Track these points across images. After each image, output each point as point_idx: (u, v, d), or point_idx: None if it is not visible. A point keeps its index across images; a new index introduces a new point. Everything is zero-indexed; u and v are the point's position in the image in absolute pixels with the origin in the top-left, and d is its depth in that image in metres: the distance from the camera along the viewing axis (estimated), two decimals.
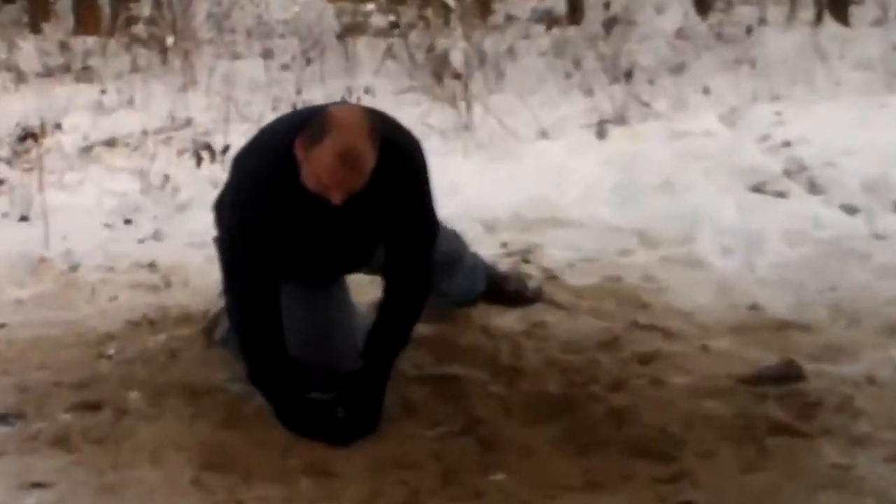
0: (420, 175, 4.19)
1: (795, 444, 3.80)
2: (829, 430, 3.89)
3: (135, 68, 11.81)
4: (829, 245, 5.92)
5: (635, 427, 3.93)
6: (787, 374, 4.32)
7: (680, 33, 11.26)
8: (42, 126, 8.59)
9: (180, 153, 8.01)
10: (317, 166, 3.78)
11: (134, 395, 4.23)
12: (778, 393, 4.19)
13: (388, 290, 4.22)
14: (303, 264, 4.16)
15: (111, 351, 4.78)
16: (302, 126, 3.93)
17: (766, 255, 5.88)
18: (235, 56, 12.24)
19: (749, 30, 10.84)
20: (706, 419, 4.01)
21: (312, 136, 3.81)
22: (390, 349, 4.19)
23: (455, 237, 4.82)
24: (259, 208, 3.99)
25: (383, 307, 4.23)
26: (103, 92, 9.99)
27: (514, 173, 7.15)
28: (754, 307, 5.25)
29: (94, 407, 4.12)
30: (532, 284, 5.35)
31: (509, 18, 13.97)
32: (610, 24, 11.63)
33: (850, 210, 6.44)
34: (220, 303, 4.79)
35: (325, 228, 4.06)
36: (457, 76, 9.22)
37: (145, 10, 16.13)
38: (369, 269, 4.46)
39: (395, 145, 3.98)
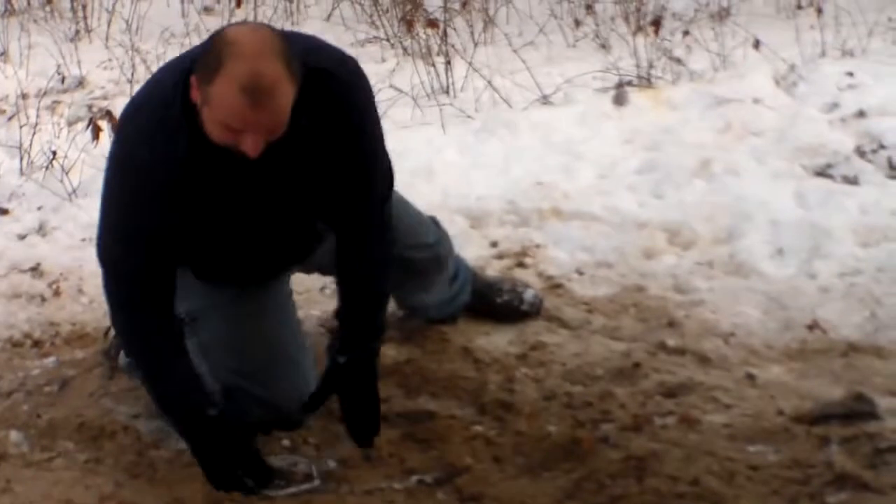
0: (360, 106, 4.19)
1: (864, 499, 3.86)
2: None
3: (9, 10, 11.75)
4: None
5: (660, 478, 4.00)
6: (856, 412, 4.40)
7: None
8: None
9: (71, 123, 8.05)
10: (218, 108, 3.69)
11: (14, 437, 4.31)
12: (843, 435, 4.26)
13: (345, 269, 4.35)
14: (223, 261, 4.24)
15: None
16: (195, 62, 3.89)
17: (832, 260, 5.90)
18: None
19: None
20: (751, 469, 4.08)
21: (206, 70, 3.72)
22: (367, 339, 4.31)
23: (432, 228, 4.92)
24: (148, 192, 3.94)
25: (344, 292, 4.36)
26: None
27: (507, 151, 7.22)
28: (815, 326, 5.32)
29: None
30: (529, 295, 5.42)
31: None
32: None
33: None
34: None
35: (246, 201, 4.05)
36: (432, 23, 9.16)
37: None
38: (313, 264, 4.63)
39: (321, 71, 3.94)
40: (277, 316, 4.47)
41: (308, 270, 4.93)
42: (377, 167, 4.29)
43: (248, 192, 4.02)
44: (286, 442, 4.26)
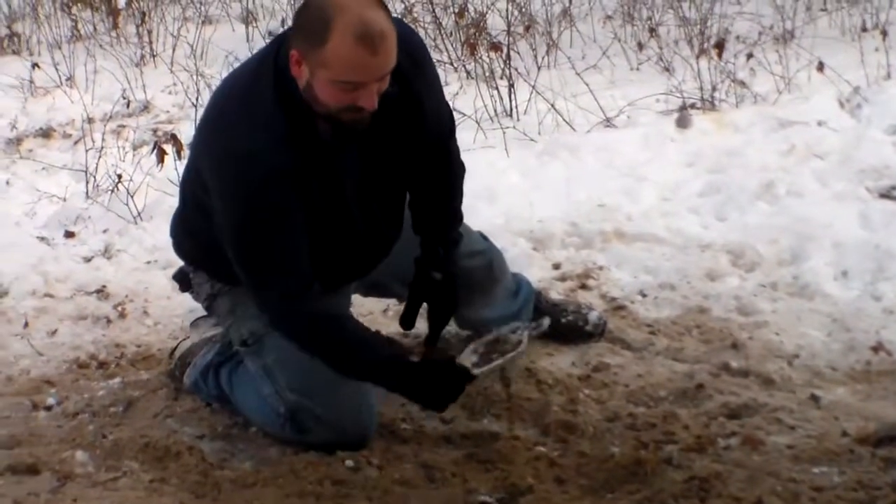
0: (429, 60, 4.37)
1: None
2: None
3: (76, 36, 11.85)
4: None
5: (724, 499, 3.99)
6: None
7: None
8: None
9: (136, 147, 8.13)
10: (337, 65, 3.77)
11: (80, 457, 4.32)
12: None
13: (426, 192, 4.57)
14: (328, 247, 4.25)
15: (51, 400, 4.87)
16: (277, 51, 4.01)
17: None
18: (207, 20, 12.27)
19: None
20: (815, 490, 4.07)
21: (313, 36, 3.80)
22: (451, 254, 4.59)
23: (480, 237, 4.96)
24: (259, 178, 3.98)
25: (426, 212, 4.59)
26: (36, 66, 10.01)
27: (570, 173, 7.23)
28: (880, 347, 5.29)
29: (31, 471, 4.21)
30: (593, 316, 5.43)
31: None
32: None
33: None
34: (188, 338, 4.92)
35: (346, 171, 4.16)
36: (495, 47, 9.19)
37: None
38: (374, 280, 4.74)
39: (397, 27, 3.96)
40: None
41: (367, 289, 4.97)
42: (444, 104, 4.49)
43: (348, 159, 4.13)
44: (350, 462, 4.26)
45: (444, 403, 4.27)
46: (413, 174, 4.45)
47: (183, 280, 4.79)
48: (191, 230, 4.58)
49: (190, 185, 4.40)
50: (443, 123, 4.49)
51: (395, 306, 5.72)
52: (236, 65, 9.14)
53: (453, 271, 4.55)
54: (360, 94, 3.82)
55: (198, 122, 4.32)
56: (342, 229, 4.23)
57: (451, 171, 4.60)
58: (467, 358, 4.22)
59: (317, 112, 3.94)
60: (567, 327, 5.32)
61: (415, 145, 4.32)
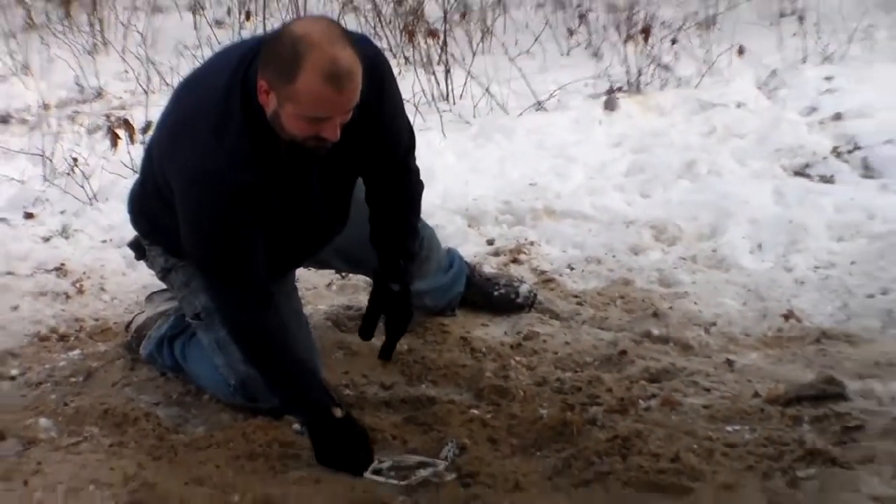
0: (391, 78, 4.43)
1: (832, 474, 3.92)
2: (872, 458, 4.00)
3: (30, 25, 11.77)
4: (883, 240, 5.97)
5: (643, 456, 4.07)
6: (826, 394, 4.47)
7: None
8: None
9: (91, 132, 8.16)
10: (305, 102, 3.84)
11: (44, 423, 4.38)
12: (814, 415, 4.34)
13: (383, 207, 4.64)
14: (280, 244, 4.31)
15: (14, 371, 4.94)
16: (246, 71, 4.04)
17: (807, 254, 5.99)
18: (156, 9, 12.21)
19: None
20: (728, 447, 4.16)
21: (281, 70, 3.85)
22: (408, 267, 4.69)
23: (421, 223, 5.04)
24: (227, 195, 4.04)
25: (383, 226, 4.65)
26: None
27: (503, 154, 7.34)
28: (790, 315, 5.40)
29: None
30: (524, 289, 5.51)
31: None
32: None
33: None
34: (144, 312, 4.99)
35: (305, 183, 4.24)
36: (433, 34, 9.22)
37: None
38: (328, 256, 4.82)
39: (366, 58, 4.04)
40: (286, 309, 4.51)
41: (321, 265, 5.10)
42: (404, 123, 4.56)
43: (307, 175, 4.21)
44: (296, 426, 4.33)
45: (336, 466, 4.15)
46: (368, 178, 4.55)
47: (138, 248, 4.85)
48: (148, 212, 4.62)
49: (152, 177, 4.43)
50: (401, 142, 4.54)
51: (338, 281, 5.81)
52: (186, 52, 9.25)
53: (409, 283, 4.67)
54: (325, 127, 3.90)
55: (164, 120, 4.30)
56: (298, 230, 4.32)
57: (408, 187, 4.65)
58: (386, 462, 4.16)
59: (281, 138, 4.00)
60: (499, 299, 5.42)
61: (372, 160, 4.42)
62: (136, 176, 4.80)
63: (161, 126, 4.37)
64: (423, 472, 4.05)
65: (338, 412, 4.14)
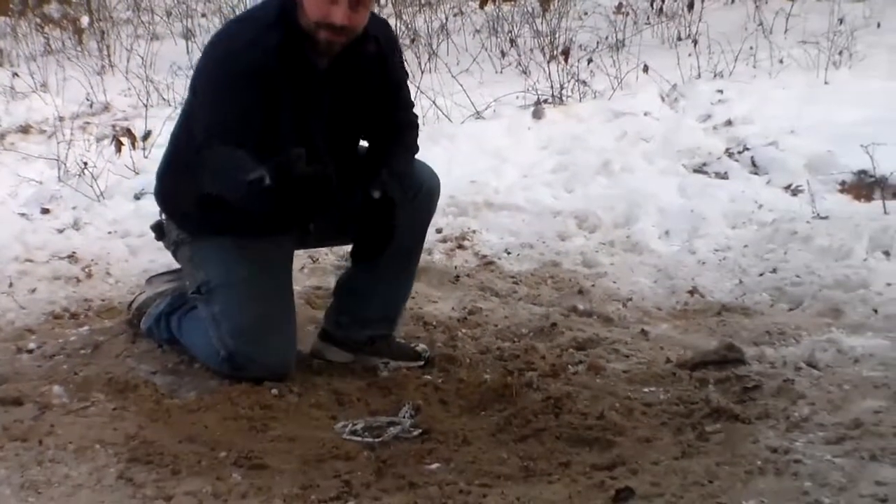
0: (399, 46, 4.45)
1: (735, 428, 3.87)
2: (768, 414, 3.97)
3: (48, 50, 11.72)
4: (770, 227, 6.01)
5: (573, 414, 4.00)
6: (727, 359, 4.42)
7: (619, 9, 11.32)
8: None
9: (99, 139, 8.01)
10: None
11: (57, 390, 4.25)
12: (717, 378, 4.29)
13: (382, 137, 4.37)
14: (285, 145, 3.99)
15: (32, 345, 4.79)
16: None
17: (707, 238, 5.98)
18: (155, 37, 12.16)
19: (691, 5, 10.89)
20: (645, 405, 4.11)
21: None
22: (398, 158, 4.34)
23: None
24: (243, 68, 3.97)
25: (380, 146, 4.37)
26: (15, 75, 9.88)
27: (449, 156, 7.17)
28: (694, 291, 5.38)
29: (16, 402, 4.15)
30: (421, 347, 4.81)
31: None
32: (547, 0, 11.68)
33: (793, 191, 6.55)
34: (144, 293, 4.87)
35: (315, 98, 4.11)
36: None
37: None
38: (322, 233, 4.51)
39: (383, 21, 4.21)
40: (280, 294, 4.45)
41: (310, 244, 4.98)
42: (407, 86, 4.47)
43: (318, 90, 4.10)
44: (275, 391, 4.23)
45: (298, 206, 3.86)
46: (371, 117, 4.34)
47: (158, 230, 4.70)
48: (171, 178, 4.49)
49: (179, 124, 4.45)
50: (405, 97, 4.45)
51: (309, 265, 5.71)
52: (180, 72, 9.19)
53: (393, 196, 4.16)
54: (334, 10, 3.90)
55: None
56: (301, 138, 4.02)
57: (405, 132, 4.42)
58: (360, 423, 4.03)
59: (304, 29, 3.98)
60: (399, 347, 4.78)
61: (376, 92, 4.27)
62: (165, 148, 4.67)
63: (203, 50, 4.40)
64: (392, 430, 3.96)
65: (266, 180, 3.73)
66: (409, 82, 4.54)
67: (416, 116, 4.55)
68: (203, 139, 4.06)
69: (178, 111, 7.99)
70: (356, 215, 4.17)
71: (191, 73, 8.93)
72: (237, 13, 12.14)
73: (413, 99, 4.56)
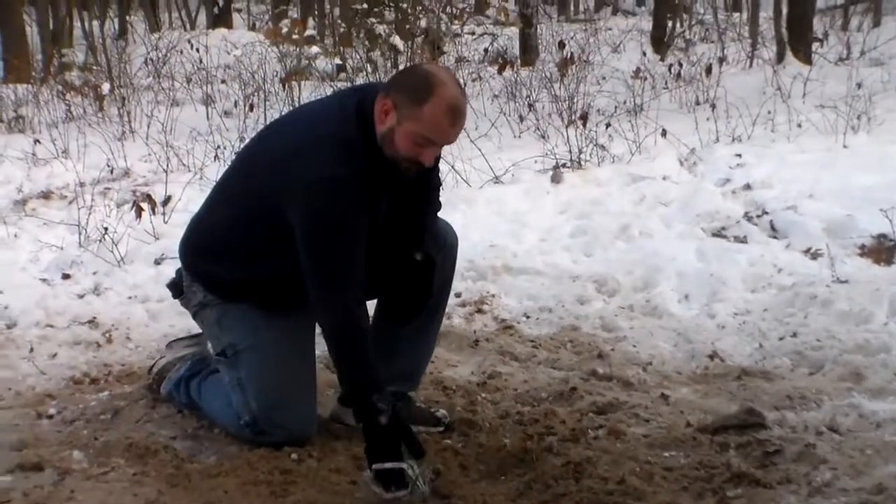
0: None
1: (756, 493, 3.84)
2: (790, 478, 3.94)
3: (69, 117, 11.82)
4: (790, 291, 5.99)
5: (593, 479, 3.97)
6: (748, 423, 4.39)
7: (637, 74, 11.37)
8: None
9: (119, 205, 8.04)
10: (426, 124, 3.88)
11: (76, 455, 4.24)
12: (739, 442, 4.26)
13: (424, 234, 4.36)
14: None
15: (52, 410, 4.77)
16: (357, 102, 4.06)
17: (727, 302, 5.97)
18: (175, 103, 12.25)
19: (709, 69, 10.96)
20: (666, 470, 4.07)
21: (412, 94, 3.91)
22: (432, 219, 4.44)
23: None
24: (353, 199, 3.97)
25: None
26: (37, 142, 9.95)
27: (468, 220, 7.19)
28: (714, 355, 5.35)
29: (36, 468, 4.12)
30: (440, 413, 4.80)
31: (460, 60, 14.06)
32: (564, 65, 11.74)
33: (813, 254, 6.55)
34: (164, 357, 4.87)
35: (389, 210, 4.15)
36: None
37: (79, 56, 16.21)
38: None
39: None
40: (304, 360, 4.45)
41: None
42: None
43: (392, 202, 4.14)
44: (294, 455, 4.20)
45: (380, 460, 3.91)
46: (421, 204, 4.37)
47: (175, 287, 4.67)
48: (204, 243, 4.49)
49: (219, 202, 4.43)
50: (438, 178, 4.51)
51: None
52: (199, 138, 9.22)
53: (433, 256, 4.30)
54: (426, 152, 3.95)
55: (267, 149, 4.28)
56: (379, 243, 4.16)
57: (434, 205, 4.45)
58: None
59: (384, 152, 4.00)
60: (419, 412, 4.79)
61: (423, 190, 4.31)
62: (197, 212, 4.63)
63: (265, 153, 4.30)
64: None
65: (383, 419, 3.91)
66: None
67: (440, 181, 4.59)
68: (339, 308, 4.04)
69: (198, 176, 8.14)
70: (389, 278, 4.27)
71: (210, 138, 9.11)
72: (255, 78, 12.41)
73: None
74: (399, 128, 3.92)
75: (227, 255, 4.37)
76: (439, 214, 4.52)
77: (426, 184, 4.31)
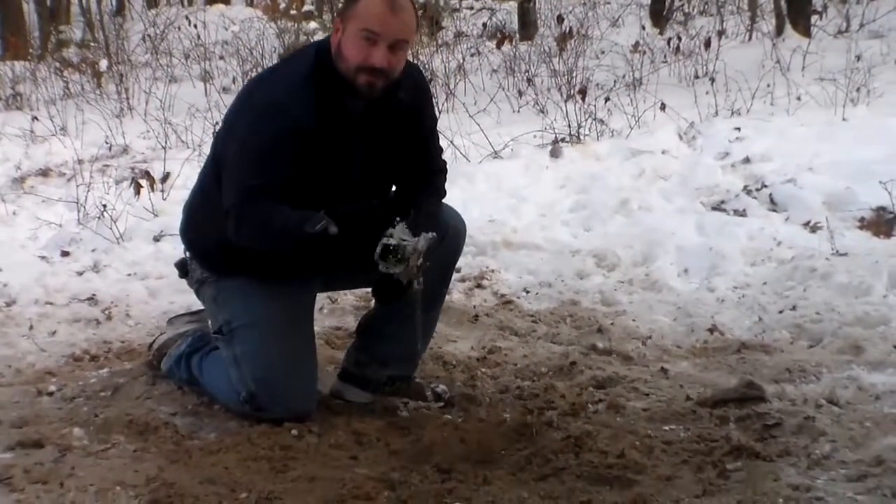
0: (430, 93, 4.52)
1: (755, 466, 3.86)
2: (789, 451, 3.96)
3: (67, 94, 11.82)
4: (790, 264, 6.01)
5: (594, 453, 3.98)
6: (748, 396, 4.40)
7: (636, 48, 11.35)
8: None
9: (118, 182, 8.06)
10: (360, 17, 3.96)
11: (77, 432, 4.24)
12: (738, 415, 4.28)
13: (411, 178, 4.38)
14: (320, 193, 4.09)
15: (52, 387, 4.78)
16: (304, 49, 4.32)
17: (726, 276, 5.99)
18: (173, 79, 12.24)
19: (707, 43, 10.93)
20: (665, 443, 4.09)
21: (349, 2, 4.06)
22: (427, 198, 4.35)
23: None
24: (285, 124, 3.99)
25: (409, 176, 4.39)
26: (35, 119, 9.98)
27: (467, 196, 7.20)
28: (714, 329, 5.37)
29: (37, 445, 4.13)
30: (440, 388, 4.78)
31: (459, 35, 14.05)
32: (563, 39, 11.72)
33: (812, 227, 6.57)
34: (165, 333, 4.88)
35: (349, 145, 4.12)
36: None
37: (77, 33, 16.19)
38: (342, 275, 4.54)
39: (415, 66, 4.25)
40: (302, 335, 4.44)
41: (335, 285, 4.95)
42: (437, 130, 4.54)
43: (354, 136, 4.12)
44: (294, 431, 4.20)
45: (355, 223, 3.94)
46: (402, 163, 4.35)
47: (182, 267, 4.68)
48: (198, 217, 4.50)
49: (208, 166, 4.43)
50: (434, 136, 4.50)
51: (328, 305, 5.72)
52: (198, 114, 9.24)
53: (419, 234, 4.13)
54: (374, 51, 3.94)
55: (242, 93, 4.36)
56: (335, 186, 4.14)
57: (431, 160, 4.45)
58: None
59: (342, 74, 4.03)
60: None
61: (408, 139, 4.29)
62: (193, 185, 4.63)
63: (238, 97, 4.36)
64: None
65: (333, 229, 3.87)
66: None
67: (445, 163, 4.55)
68: (243, 194, 4.05)
69: (197, 153, 8.13)
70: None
71: (209, 114, 9.12)
72: (253, 54, 12.41)
73: (436, 121, 4.59)
74: (344, 36, 4.00)
75: (206, 217, 4.38)
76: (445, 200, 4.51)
77: (418, 127, 4.33)
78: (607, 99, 9.11)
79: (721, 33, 11.80)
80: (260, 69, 11.39)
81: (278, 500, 3.74)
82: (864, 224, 6.54)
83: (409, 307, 4.24)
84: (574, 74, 10.19)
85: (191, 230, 4.57)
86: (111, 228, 6.89)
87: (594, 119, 8.65)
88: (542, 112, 9.45)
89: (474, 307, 5.77)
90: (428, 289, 4.15)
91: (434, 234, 3.95)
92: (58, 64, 13.09)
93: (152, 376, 4.84)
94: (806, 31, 12.16)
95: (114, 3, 21.20)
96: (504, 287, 6.09)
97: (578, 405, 4.46)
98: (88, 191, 7.48)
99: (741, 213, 6.92)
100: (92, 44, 15.16)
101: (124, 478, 3.88)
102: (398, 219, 3.92)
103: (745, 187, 7.22)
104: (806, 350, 5.11)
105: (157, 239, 6.79)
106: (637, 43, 11.49)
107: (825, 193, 6.85)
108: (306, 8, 14.66)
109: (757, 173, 7.36)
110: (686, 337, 5.35)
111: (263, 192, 4.00)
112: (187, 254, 4.64)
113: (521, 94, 10.28)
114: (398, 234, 3.89)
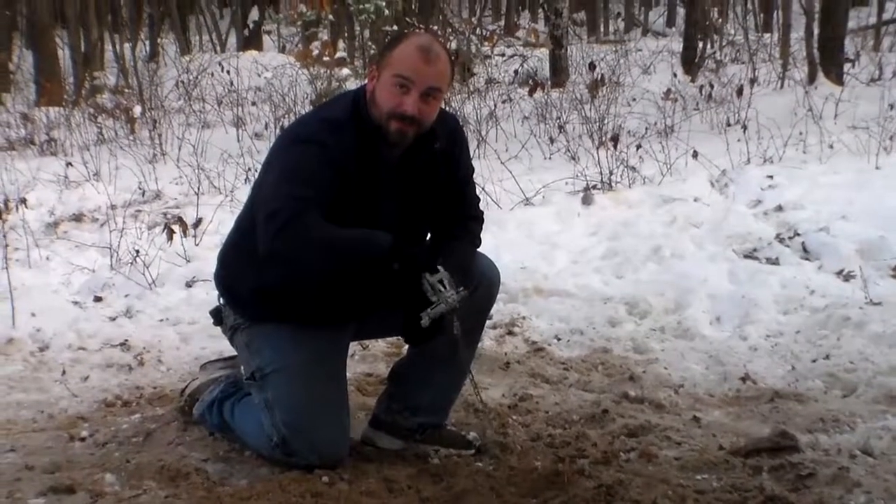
0: (469, 150, 4.51)
1: None
2: (823, 502, 3.92)
3: (101, 140, 11.88)
4: (823, 312, 5.99)
5: (626, 502, 3.95)
6: (781, 446, 4.37)
7: (668, 95, 11.37)
8: (5, 202, 8.68)
9: (150, 227, 8.10)
10: (395, 63, 4.00)
11: (109, 478, 4.24)
12: (771, 465, 4.24)
13: (446, 226, 4.37)
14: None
15: (84, 433, 4.78)
16: (343, 95, 4.35)
17: (759, 324, 5.96)
18: (205, 125, 12.31)
19: (740, 90, 10.94)
20: (698, 493, 4.04)
21: (386, 48, 4.16)
22: (463, 252, 4.33)
23: None
24: (324, 158, 3.98)
25: (444, 223, 4.37)
26: (69, 165, 10.05)
27: (498, 242, 7.20)
28: (747, 377, 5.33)
29: (68, 490, 4.12)
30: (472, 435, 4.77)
31: (490, 82, 14.10)
32: (595, 86, 11.76)
33: (846, 276, 6.53)
34: (196, 380, 4.88)
35: (381, 190, 4.12)
36: None
37: (111, 79, 16.30)
38: (374, 324, 4.53)
39: (451, 115, 4.32)
40: (334, 381, 4.42)
41: (361, 332, 4.84)
42: (473, 182, 4.56)
43: (389, 183, 4.14)
44: (325, 478, 4.18)
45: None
46: (437, 211, 4.35)
47: (217, 315, 4.67)
48: (232, 262, 4.50)
49: (245, 211, 4.43)
50: (471, 186, 4.53)
51: (359, 351, 5.71)
52: (230, 160, 9.27)
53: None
54: (406, 99, 3.97)
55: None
56: (369, 215, 4.09)
57: (466, 208, 4.45)
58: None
59: (376, 122, 4.05)
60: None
61: (443, 187, 4.31)
62: (229, 231, 4.63)
63: (278, 139, 4.46)
64: None
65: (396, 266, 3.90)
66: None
67: (482, 212, 4.56)
68: (291, 201, 3.93)
69: (229, 199, 8.17)
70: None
71: (241, 160, 9.16)
72: (286, 100, 12.47)
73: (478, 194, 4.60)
74: (379, 82, 4.04)
75: (241, 262, 4.38)
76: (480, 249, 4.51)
77: (453, 175, 4.34)
78: (639, 146, 9.14)
79: (753, 81, 11.82)
80: (292, 115, 11.47)
81: None
82: None
83: (442, 354, 4.26)
84: (606, 121, 10.22)
85: (225, 275, 4.57)
86: (144, 274, 6.91)
87: (626, 166, 8.67)
88: (574, 159, 9.47)
89: (506, 354, 5.75)
90: (459, 339, 4.14)
91: (465, 291, 3.97)
92: (92, 110, 13.18)
93: (184, 422, 4.84)
94: (838, 79, 12.17)
95: (147, 49, 21.37)
96: (535, 334, 6.08)
97: (610, 454, 4.42)
98: (121, 236, 7.50)
99: (774, 262, 6.89)
100: (126, 90, 15.27)
101: None
102: (440, 267, 3.93)
103: (778, 235, 7.21)
104: (840, 399, 5.06)
105: (189, 284, 6.81)
106: (669, 90, 11.52)
107: (858, 242, 6.82)
108: (339, 55, 14.71)
109: (789, 221, 7.35)
110: (718, 385, 5.31)
111: (308, 203, 3.93)
112: (221, 301, 4.64)
113: (552, 140, 10.31)
114: (438, 281, 3.91)
